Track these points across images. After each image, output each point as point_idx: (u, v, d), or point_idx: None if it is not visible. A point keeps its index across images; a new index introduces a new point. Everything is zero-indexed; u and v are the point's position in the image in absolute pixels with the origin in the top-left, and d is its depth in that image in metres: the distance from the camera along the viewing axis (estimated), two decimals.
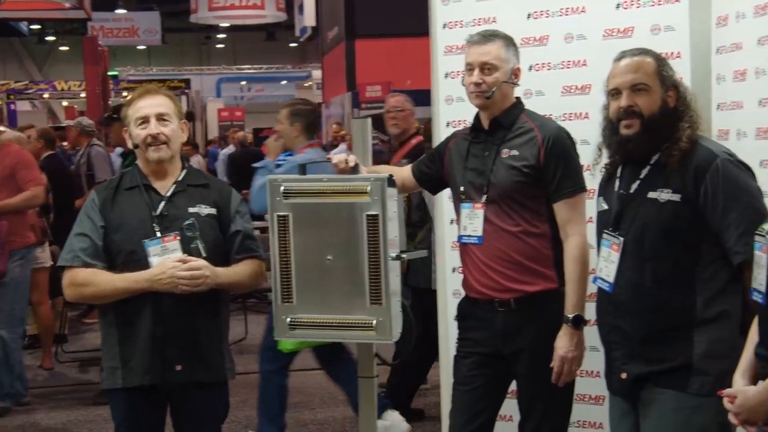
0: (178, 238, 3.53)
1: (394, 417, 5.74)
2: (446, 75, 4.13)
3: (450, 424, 3.72)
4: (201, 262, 3.48)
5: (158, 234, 3.53)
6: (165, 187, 3.64)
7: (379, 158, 6.37)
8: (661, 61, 3.18)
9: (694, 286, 3.05)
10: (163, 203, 3.60)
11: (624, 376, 3.14)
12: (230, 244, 3.66)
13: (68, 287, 3.59)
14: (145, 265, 3.48)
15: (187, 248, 3.53)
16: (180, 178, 3.68)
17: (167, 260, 3.45)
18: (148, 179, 3.64)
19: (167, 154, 3.60)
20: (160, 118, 3.59)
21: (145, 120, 3.59)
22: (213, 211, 3.65)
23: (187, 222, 3.57)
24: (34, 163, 7.01)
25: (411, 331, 3.79)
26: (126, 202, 3.62)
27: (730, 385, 2.73)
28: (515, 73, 3.63)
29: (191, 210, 3.61)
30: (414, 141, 6.85)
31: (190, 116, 23.37)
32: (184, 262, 3.44)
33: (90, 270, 3.52)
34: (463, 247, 3.70)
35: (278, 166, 5.52)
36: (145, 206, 3.59)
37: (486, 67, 3.58)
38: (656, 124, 3.10)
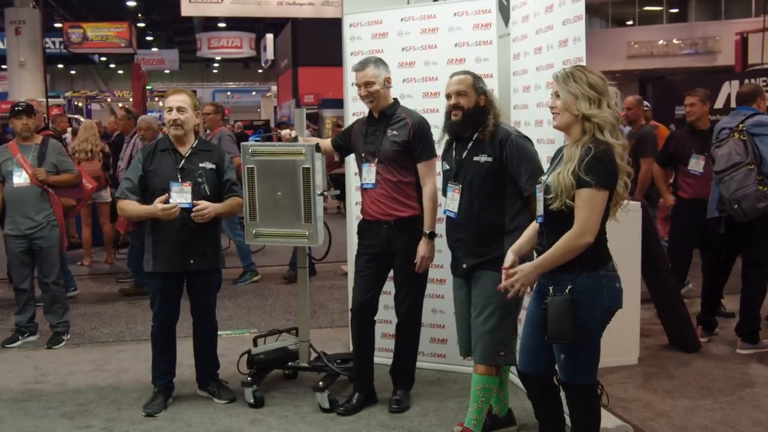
0: (191, 184, 3.41)
1: None
2: (352, 84, 3.91)
3: (353, 296, 3.59)
4: (206, 203, 3.39)
5: (179, 180, 3.42)
6: (184, 150, 3.50)
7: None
8: (476, 78, 3.11)
9: (503, 211, 3.00)
10: (183, 160, 3.47)
11: (465, 265, 3.07)
12: (223, 187, 3.54)
13: (118, 210, 3.57)
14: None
15: (197, 189, 3.42)
16: (194, 145, 3.53)
17: (157, 204, 3.35)
18: (174, 145, 3.50)
19: (180, 132, 3.47)
20: (179, 109, 3.45)
21: (170, 110, 3.46)
22: (214, 166, 3.52)
23: (198, 172, 3.45)
24: None
25: (330, 241, 3.69)
26: (160, 158, 3.49)
27: None
28: (387, 81, 3.48)
29: (200, 165, 3.48)
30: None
31: None
32: (170, 205, 3.35)
33: (127, 201, 3.44)
34: (363, 190, 3.54)
35: None
36: (172, 162, 3.46)
37: (367, 84, 3.44)
38: (471, 114, 3.03)
